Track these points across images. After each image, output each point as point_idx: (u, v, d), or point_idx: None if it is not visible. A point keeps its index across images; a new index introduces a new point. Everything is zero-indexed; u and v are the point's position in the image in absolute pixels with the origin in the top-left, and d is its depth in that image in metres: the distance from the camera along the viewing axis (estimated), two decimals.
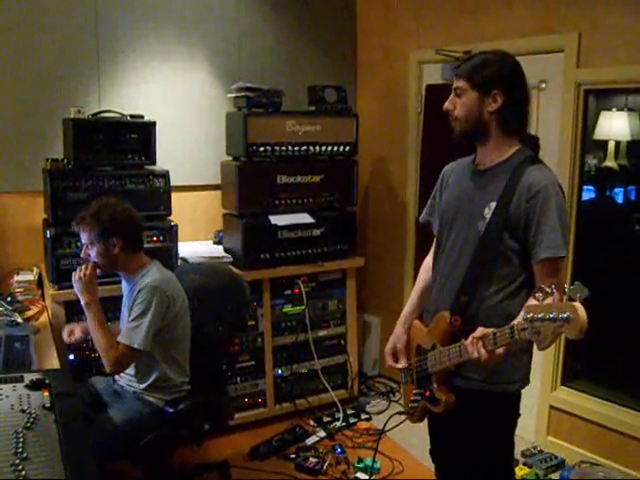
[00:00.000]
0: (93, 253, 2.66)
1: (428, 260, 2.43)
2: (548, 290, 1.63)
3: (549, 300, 1.63)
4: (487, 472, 2.18)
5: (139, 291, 2.61)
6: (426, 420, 2.35)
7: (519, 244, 2.02)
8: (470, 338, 1.88)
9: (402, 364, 2.34)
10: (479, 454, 2.16)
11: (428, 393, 2.17)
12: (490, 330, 1.84)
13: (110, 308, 3.09)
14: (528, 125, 2.16)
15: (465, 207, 2.15)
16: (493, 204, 2.04)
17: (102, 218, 2.62)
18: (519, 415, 2.21)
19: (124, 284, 2.83)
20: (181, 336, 2.78)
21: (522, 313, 1.72)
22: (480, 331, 1.87)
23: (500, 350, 1.84)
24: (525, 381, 2.17)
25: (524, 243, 2.01)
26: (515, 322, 1.76)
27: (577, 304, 1.56)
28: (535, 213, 1.97)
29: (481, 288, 2.06)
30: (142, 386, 2.72)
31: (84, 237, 2.67)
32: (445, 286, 2.18)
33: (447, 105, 2.12)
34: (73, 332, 2.84)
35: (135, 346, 2.55)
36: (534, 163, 2.06)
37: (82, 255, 2.73)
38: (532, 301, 1.82)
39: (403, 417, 2.42)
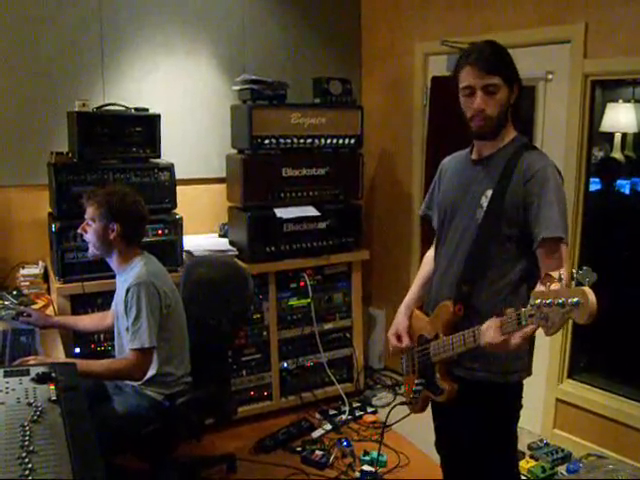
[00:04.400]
0: (90, 231, 2.69)
1: (430, 253, 2.44)
2: (555, 276, 1.62)
3: (555, 286, 1.62)
4: (491, 463, 2.18)
5: (127, 293, 2.60)
6: (431, 412, 2.35)
7: (518, 229, 2.02)
8: (487, 323, 1.85)
9: (406, 342, 2.32)
10: (482, 445, 2.15)
11: (430, 383, 2.17)
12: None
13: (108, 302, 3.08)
14: None
15: (463, 197, 2.16)
16: (490, 192, 2.05)
17: (111, 201, 2.66)
18: (522, 406, 2.21)
19: (117, 278, 2.83)
20: (177, 329, 2.78)
21: (531, 299, 1.70)
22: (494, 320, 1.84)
23: (516, 340, 1.81)
24: (527, 371, 2.17)
25: (523, 227, 2.01)
26: (522, 309, 1.75)
27: (587, 289, 1.55)
28: (533, 195, 1.97)
29: (482, 277, 2.06)
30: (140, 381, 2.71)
31: (88, 212, 2.70)
32: (446, 276, 2.19)
33: (479, 104, 2.01)
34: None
35: (146, 346, 2.55)
36: (530, 149, 2.08)
37: (79, 230, 2.76)
38: (539, 287, 1.81)
39: (408, 410, 2.42)
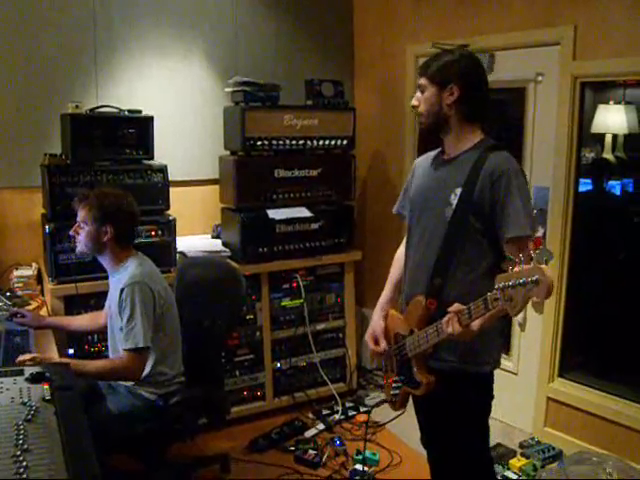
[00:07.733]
0: (83, 233, 2.68)
1: (400, 252, 2.52)
2: (517, 260, 1.70)
3: (517, 268, 1.70)
4: (464, 455, 2.25)
5: (121, 294, 2.61)
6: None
7: (485, 226, 2.12)
8: (447, 317, 1.96)
9: (382, 346, 2.39)
10: (455, 437, 2.23)
11: (408, 378, 2.23)
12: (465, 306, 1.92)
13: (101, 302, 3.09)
14: (487, 115, 2.26)
15: (432, 195, 2.25)
16: (458, 190, 2.13)
17: (105, 204, 2.66)
18: (493, 397, 2.29)
19: (110, 278, 2.84)
20: (170, 329, 2.79)
21: (496, 283, 1.78)
22: (456, 306, 1.95)
23: (475, 325, 1.90)
24: (497, 363, 2.26)
25: (490, 225, 2.10)
26: (488, 294, 1.83)
27: (544, 266, 1.64)
28: (499, 196, 2.08)
29: (453, 270, 2.15)
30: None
31: (80, 215, 2.69)
32: (418, 272, 2.26)
33: (413, 101, 2.26)
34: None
35: (140, 345, 2.56)
36: (496, 150, 2.16)
37: (71, 232, 2.75)
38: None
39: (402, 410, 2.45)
